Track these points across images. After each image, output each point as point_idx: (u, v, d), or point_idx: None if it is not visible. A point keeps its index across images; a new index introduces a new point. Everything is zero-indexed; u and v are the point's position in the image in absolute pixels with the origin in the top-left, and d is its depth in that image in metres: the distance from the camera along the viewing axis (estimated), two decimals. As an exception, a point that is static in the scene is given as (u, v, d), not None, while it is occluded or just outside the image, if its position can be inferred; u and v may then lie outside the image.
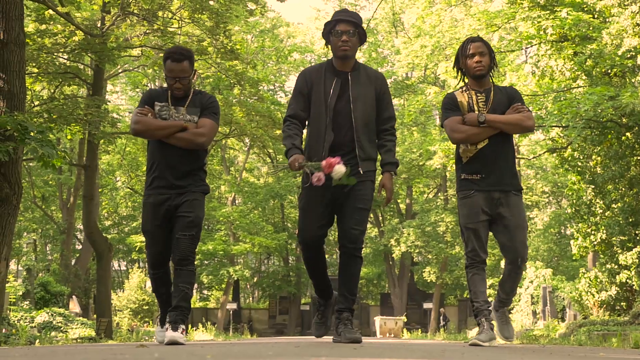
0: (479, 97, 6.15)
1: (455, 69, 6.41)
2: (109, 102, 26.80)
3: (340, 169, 5.50)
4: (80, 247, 39.64)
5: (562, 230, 44.56)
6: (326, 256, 6.61)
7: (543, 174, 44.46)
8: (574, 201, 19.32)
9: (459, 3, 24.77)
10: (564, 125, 15.53)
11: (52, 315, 20.70)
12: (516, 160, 6.75)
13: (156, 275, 6.40)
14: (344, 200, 5.87)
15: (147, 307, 34.50)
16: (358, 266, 5.96)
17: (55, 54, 19.90)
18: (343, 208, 5.89)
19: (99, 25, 20.15)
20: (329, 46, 6.16)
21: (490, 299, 6.10)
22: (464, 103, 6.15)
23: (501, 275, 6.37)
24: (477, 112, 6.07)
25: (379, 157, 6.10)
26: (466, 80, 6.29)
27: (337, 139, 5.85)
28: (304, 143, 6.04)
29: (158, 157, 6.22)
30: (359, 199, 5.87)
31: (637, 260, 16.46)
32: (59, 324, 20.26)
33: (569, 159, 19.02)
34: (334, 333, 5.88)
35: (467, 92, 6.21)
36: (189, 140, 6.09)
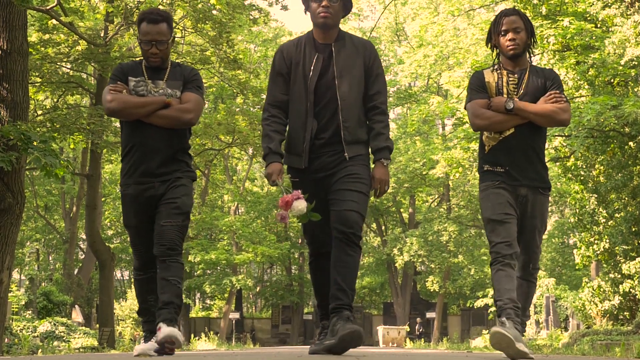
0: (510, 79, 5.35)
1: (488, 46, 5.59)
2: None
3: (299, 205, 4.82)
4: (83, 256, 39.64)
5: (565, 240, 44.53)
6: None
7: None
8: (577, 210, 19.31)
9: (461, 13, 24.77)
10: (566, 134, 15.52)
11: (54, 324, 20.67)
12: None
13: (142, 277, 5.53)
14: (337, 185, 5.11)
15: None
16: (357, 256, 5.06)
17: (59, 63, 19.95)
18: (336, 192, 5.10)
19: (102, 34, 20.19)
20: (308, 13, 5.34)
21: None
22: (492, 84, 5.36)
23: None
24: (506, 95, 5.29)
25: None
26: (500, 59, 5.47)
27: (320, 124, 5.15)
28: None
29: (136, 140, 5.38)
30: (352, 181, 5.08)
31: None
32: (62, 334, 20.22)
33: (572, 168, 19.02)
34: (329, 335, 4.95)
35: (498, 71, 5.40)
36: (174, 117, 5.29)
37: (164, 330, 4.99)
